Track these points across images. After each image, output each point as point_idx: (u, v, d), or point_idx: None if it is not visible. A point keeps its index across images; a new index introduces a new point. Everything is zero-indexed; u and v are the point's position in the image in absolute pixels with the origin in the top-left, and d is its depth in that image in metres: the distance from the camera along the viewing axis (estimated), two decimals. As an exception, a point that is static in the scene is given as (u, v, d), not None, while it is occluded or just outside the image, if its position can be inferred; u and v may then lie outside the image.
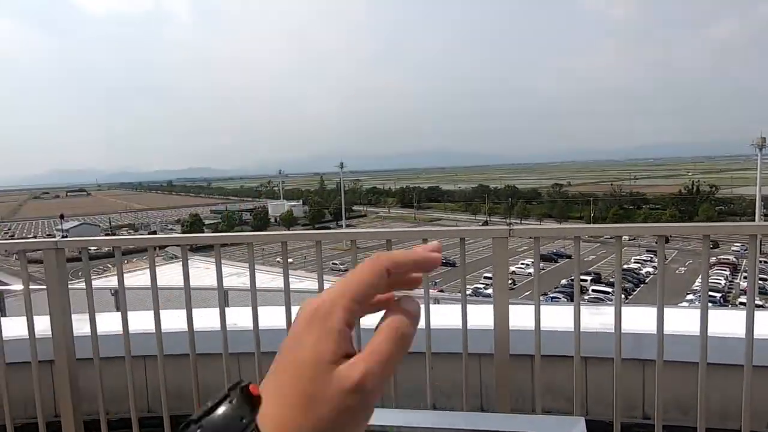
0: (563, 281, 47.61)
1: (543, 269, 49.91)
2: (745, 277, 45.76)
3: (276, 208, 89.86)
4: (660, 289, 1.76)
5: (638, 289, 43.85)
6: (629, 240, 65.55)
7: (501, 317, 1.78)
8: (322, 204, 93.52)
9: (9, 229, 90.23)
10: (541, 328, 2.13)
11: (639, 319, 2.88)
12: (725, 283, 42.93)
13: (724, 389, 2.31)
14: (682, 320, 2.83)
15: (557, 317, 2.84)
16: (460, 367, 2.21)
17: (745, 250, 55.80)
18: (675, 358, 2.57)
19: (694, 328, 2.83)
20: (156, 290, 2.05)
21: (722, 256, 52.99)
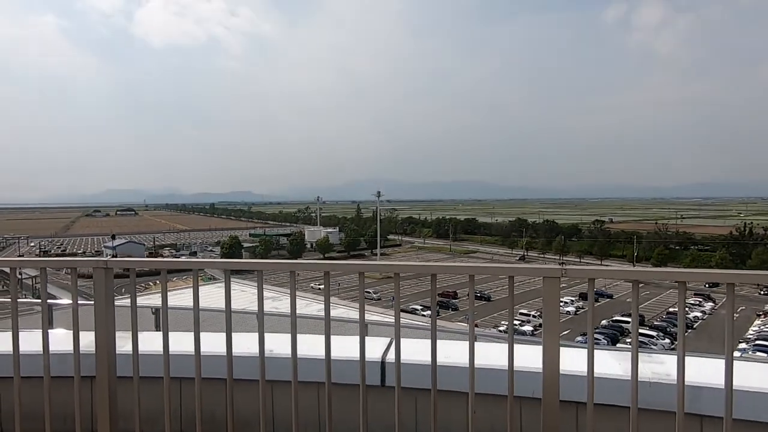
0: (603, 322, 45.61)
1: (582, 308, 48.11)
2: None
3: (312, 233, 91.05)
4: (729, 338, 1.62)
5: (686, 333, 41.45)
6: (675, 283, 62.45)
7: (551, 360, 1.68)
8: (357, 232, 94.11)
9: (61, 244, 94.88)
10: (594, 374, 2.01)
11: (692, 368, 2.68)
12: (782, 335, 39.98)
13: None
14: (738, 372, 2.62)
15: (604, 363, 2.68)
16: (500, 410, 2.10)
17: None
18: (738, 415, 2.37)
19: (753, 383, 2.61)
20: (198, 313, 2.06)
21: (787, 299, 49.61)
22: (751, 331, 42.04)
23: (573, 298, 51.10)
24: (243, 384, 2.38)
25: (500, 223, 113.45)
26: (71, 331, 2.11)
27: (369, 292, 53.56)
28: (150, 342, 2.52)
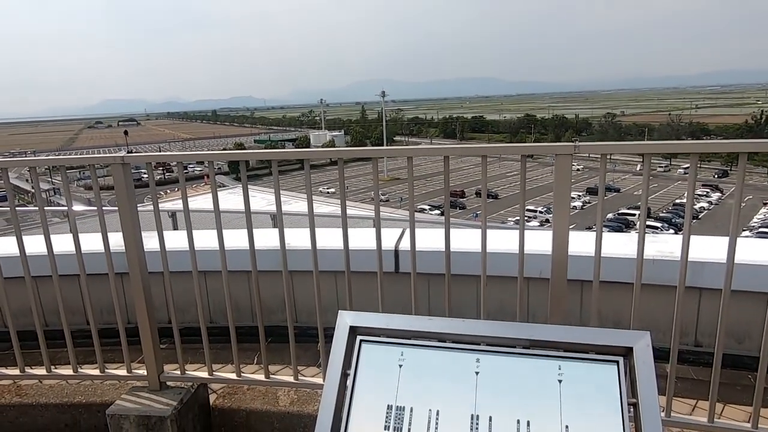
0: (609, 215, 46.27)
1: (588, 202, 48.57)
2: (810, 215, 42.98)
3: (318, 137, 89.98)
4: (736, 211, 1.66)
5: (692, 220, 42.09)
6: (684, 174, 62.28)
7: (560, 238, 1.75)
8: (363, 134, 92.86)
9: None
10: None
11: (695, 246, 2.78)
12: (786, 220, 40.49)
13: None
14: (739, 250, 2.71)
15: (610, 244, 2.78)
16: (509, 291, 2.22)
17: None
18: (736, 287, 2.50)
19: (752, 257, 2.72)
20: (218, 205, 2.12)
21: (791, 193, 49.64)
22: (755, 219, 42.58)
23: (580, 193, 51.44)
24: (263, 275, 2.52)
25: (508, 119, 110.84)
26: (95, 234, 2.21)
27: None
28: (173, 240, 2.64)
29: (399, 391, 1.26)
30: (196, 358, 2.60)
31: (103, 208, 2.12)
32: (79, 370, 2.31)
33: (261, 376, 2.18)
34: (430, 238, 3.22)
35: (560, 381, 1.20)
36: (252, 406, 2.25)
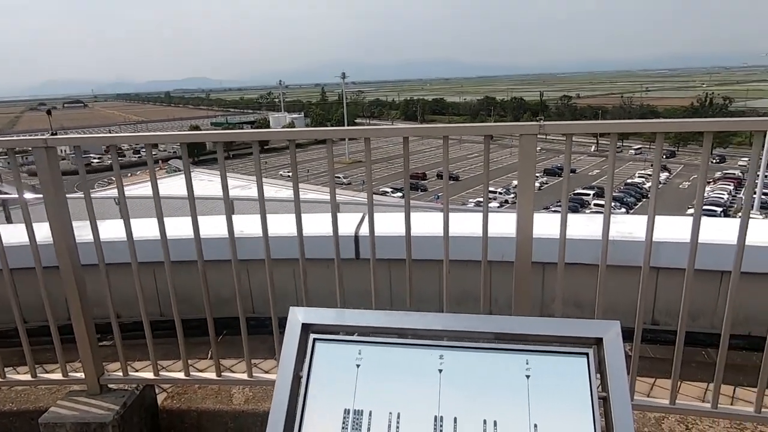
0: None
1: (546, 183, 49.87)
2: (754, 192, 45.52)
3: (277, 120, 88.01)
4: (700, 192, 1.63)
5: (640, 203, 43.98)
6: (636, 154, 64.82)
7: (524, 220, 1.68)
8: (323, 116, 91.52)
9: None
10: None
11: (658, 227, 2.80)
12: (728, 198, 42.92)
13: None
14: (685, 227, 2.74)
15: (569, 226, 2.76)
16: (472, 275, 2.15)
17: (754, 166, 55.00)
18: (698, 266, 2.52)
19: (704, 237, 2.77)
20: (158, 192, 1.94)
21: (728, 171, 52.53)
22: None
23: (538, 174, 52.67)
24: (217, 265, 2.35)
25: (468, 102, 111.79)
26: (39, 224, 1.99)
27: (339, 177, 53.77)
28: (117, 230, 2.43)
29: (357, 393, 1.15)
30: (147, 355, 2.42)
31: (34, 196, 1.90)
32: (8, 375, 2.09)
33: (212, 374, 2.04)
34: (391, 222, 3.12)
35: (528, 376, 1.12)
36: (203, 406, 2.11)
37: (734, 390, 2.29)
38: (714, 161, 58.96)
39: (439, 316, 1.25)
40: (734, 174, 52.67)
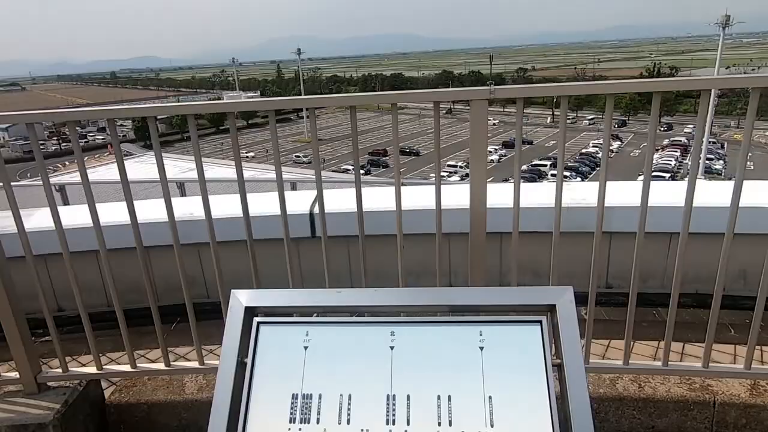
0: (524, 167, 48.63)
1: (505, 155, 50.69)
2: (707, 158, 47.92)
3: (232, 99, 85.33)
4: (649, 158, 1.63)
5: (594, 171, 45.39)
6: (590, 125, 66.64)
7: (478, 189, 1.63)
8: (280, 94, 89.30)
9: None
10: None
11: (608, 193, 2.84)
12: (675, 164, 44.90)
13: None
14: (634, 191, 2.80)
15: (524, 195, 2.77)
16: (428, 249, 2.10)
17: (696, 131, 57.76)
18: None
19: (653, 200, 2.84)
20: (86, 176, 1.78)
21: (674, 138, 54.76)
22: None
23: (497, 147, 53.48)
24: (170, 249, 2.24)
25: (426, 76, 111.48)
26: None
27: (299, 156, 52.87)
28: (66, 217, 2.25)
29: (305, 377, 1.09)
30: (98, 347, 2.28)
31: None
32: (-67, 379, 1.92)
33: (161, 364, 1.93)
34: (349, 199, 3.04)
35: (482, 348, 1.09)
36: (154, 398, 2.01)
37: (683, 346, 2.38)
38: (662, 129, 61.30)
39: (391, 291, 1.19)
40: (680, 141, 55.01)
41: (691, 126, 60.15)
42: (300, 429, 1.04)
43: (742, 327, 2.45)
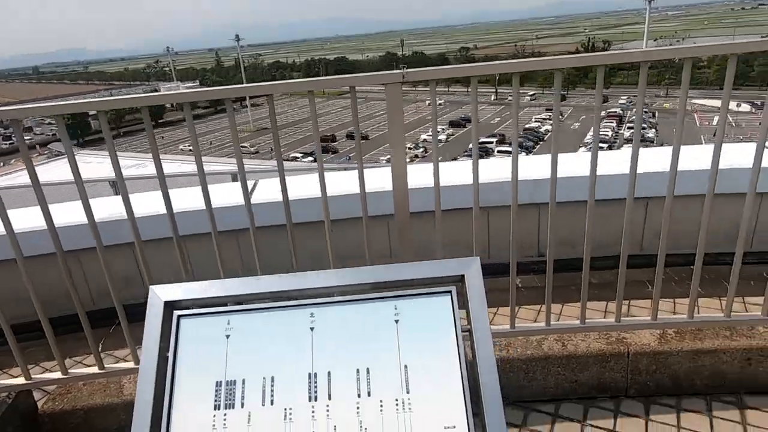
0: (471, 145, 49.35)
1: (452, 134, 51.46)
2: (629, 128, 50.56)
3: (170, 90, 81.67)
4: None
5: (538, 146, 46.89)
6: (531, 100, 68.62)
7: (399, 172, 1.69)
8: (220, 83, 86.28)
9: None
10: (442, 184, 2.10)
11: (531, 167, 2.98)
12: (612, 135, 47.07)
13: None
14: (575, 165, 2.96)
15: (450, 174, 2.86)
16: (355, 233, 2.15)
17: (630, 103, 60.86)
18: (567, 198, 2.73)
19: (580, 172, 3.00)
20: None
21: (610, 110, 57.28)
22: (589, 136, 48.79)
23: (444, 127, 54.20)
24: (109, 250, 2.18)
25: (371, 59, 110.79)
26: None
27: (245, 146, 51.58)
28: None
29: (228, 364, 1.12)
30: (31, 357, 2.19)
31: None
32: None
33: (94, 368, 1.89)
34: (293, 187, 3.04)
35: (397, 321, 1.15)
36: (91, 403, 1.97)
37: (606, 305, 2.56)
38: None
39: (308, 275, 1.23)
40: (616, 112, 57.60)
41: (625, 97, 63.14)
42: (225, 414, 1.07)
43: (638, 284, 2.65)
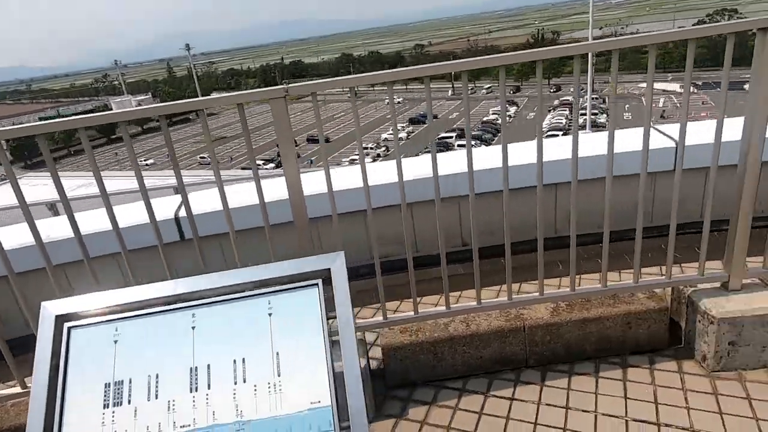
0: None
1: (412, 132, 51.88)
2: (582, 114, 52.28)
3: (122, 105, 79.17)
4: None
5: (496, 138, 47.84)
6: (487, 93, 69.92)
7: (293, 183, 1.82)
8: (174, 94, 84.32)
9: None
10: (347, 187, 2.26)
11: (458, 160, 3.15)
12: (565, 122, 48.50)
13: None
14: (489, 160, 3.16)
15: (346, 179, 3.01)
16: (255, 240, 2.25)
17: (581, 90, 62.87)
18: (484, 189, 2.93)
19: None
20: None
21: (563, 98, 59.00)
22: (545, 126, 50.16)
23: (404, 125, 54.63)
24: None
25: (327, 61, 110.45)
26: None
27: (204, 157, 50.67)
28: None
29: (116, 367, 1.23)
30: None
31: None
32: None
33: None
34: (212, 198, 3.12)
35: (270, 314, 1.29)
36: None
37: (519, 286, 2.75)
38: (551, 91, 65.67)
39: (190, 279, 1.35)
40: (569, 100, 59.33)
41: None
42: (113, 412, 1.19)
43: (550, 264, 2.87)
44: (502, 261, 2.50)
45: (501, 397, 2.09)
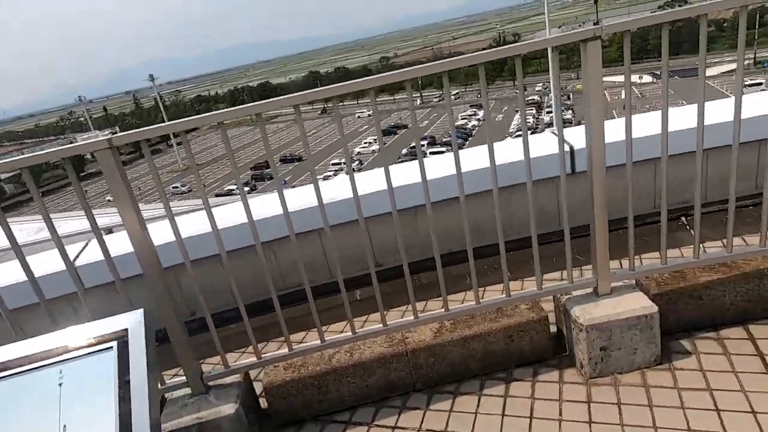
0: (404, 150, 50.40)
1: (386, 143, 52.22)
2: (548, 112, 53.20)
3: (88, 141, 77.94)
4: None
5: (467, 142, 48.38)
6: (455, 99, 70.79)
7: (136, 233, 1.78)
8: (143, 125, 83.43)
9: None
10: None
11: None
12: (533, 121, 49.32)
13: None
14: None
15: (298, 198, 2.96)
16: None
17: (545, 88, 64.02)
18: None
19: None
20: None
21: (529, 98, 60.01)
22: (512, 127, 50.90)
23: (375, 138, 54.82)
24: None
25: (295, 80, 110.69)
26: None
27: (177, 186, 50.14)
28: None
29: None
30: None
31: None
32: None
33: None
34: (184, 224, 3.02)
35: (60, 385, 1.23)
36: None
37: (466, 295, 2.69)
38: (516, 92, 66.59)
39: None
40: (534, 99, 60.43)
41: (540, 84, 66.40)
42: None
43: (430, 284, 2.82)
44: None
45: (384, 426, 2.06)
